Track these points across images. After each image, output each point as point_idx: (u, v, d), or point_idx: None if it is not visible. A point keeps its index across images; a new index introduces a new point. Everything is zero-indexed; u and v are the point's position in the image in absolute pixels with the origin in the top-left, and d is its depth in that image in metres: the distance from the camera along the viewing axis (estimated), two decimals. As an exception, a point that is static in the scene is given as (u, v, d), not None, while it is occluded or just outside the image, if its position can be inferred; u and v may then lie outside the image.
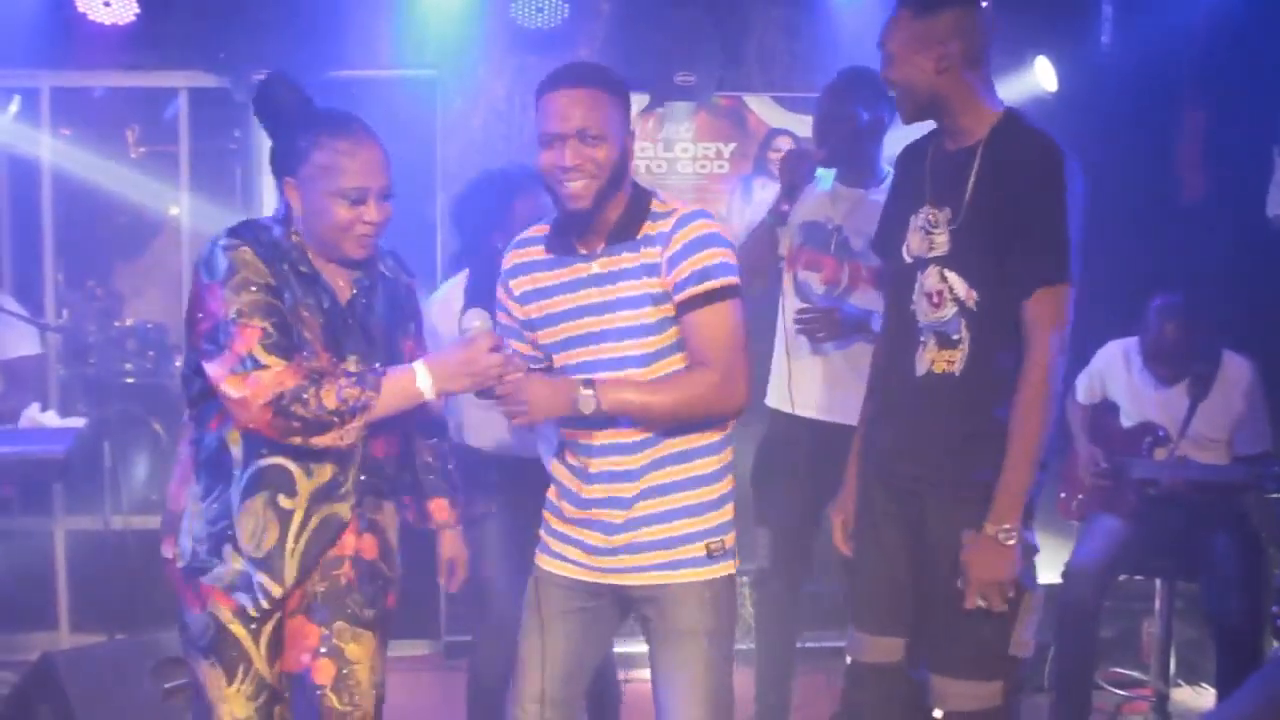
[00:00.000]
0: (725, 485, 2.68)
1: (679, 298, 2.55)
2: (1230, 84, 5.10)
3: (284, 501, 2.57)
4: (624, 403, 2.54)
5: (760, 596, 4.08)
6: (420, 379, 2.51)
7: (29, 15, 4.97)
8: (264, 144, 5.23)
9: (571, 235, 2.64)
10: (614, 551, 2.64)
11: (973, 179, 2.71)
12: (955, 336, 2.74)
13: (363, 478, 2.65)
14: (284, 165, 2.58)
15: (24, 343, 4.51)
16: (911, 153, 2.94)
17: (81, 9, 4.89)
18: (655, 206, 2.62)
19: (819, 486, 3.67)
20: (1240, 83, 5.02)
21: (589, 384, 2.52)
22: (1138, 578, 4.51)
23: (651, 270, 2.57)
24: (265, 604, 2.59)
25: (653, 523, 2.62)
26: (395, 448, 2.76)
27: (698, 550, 2.63)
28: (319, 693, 2.69)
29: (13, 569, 4.55)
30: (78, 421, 4.16)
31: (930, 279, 2.78)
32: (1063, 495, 4.52)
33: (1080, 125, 4.29)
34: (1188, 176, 5.42)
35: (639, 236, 2.58)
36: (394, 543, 2.80)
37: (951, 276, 2.74)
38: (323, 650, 2.68)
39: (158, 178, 5.72)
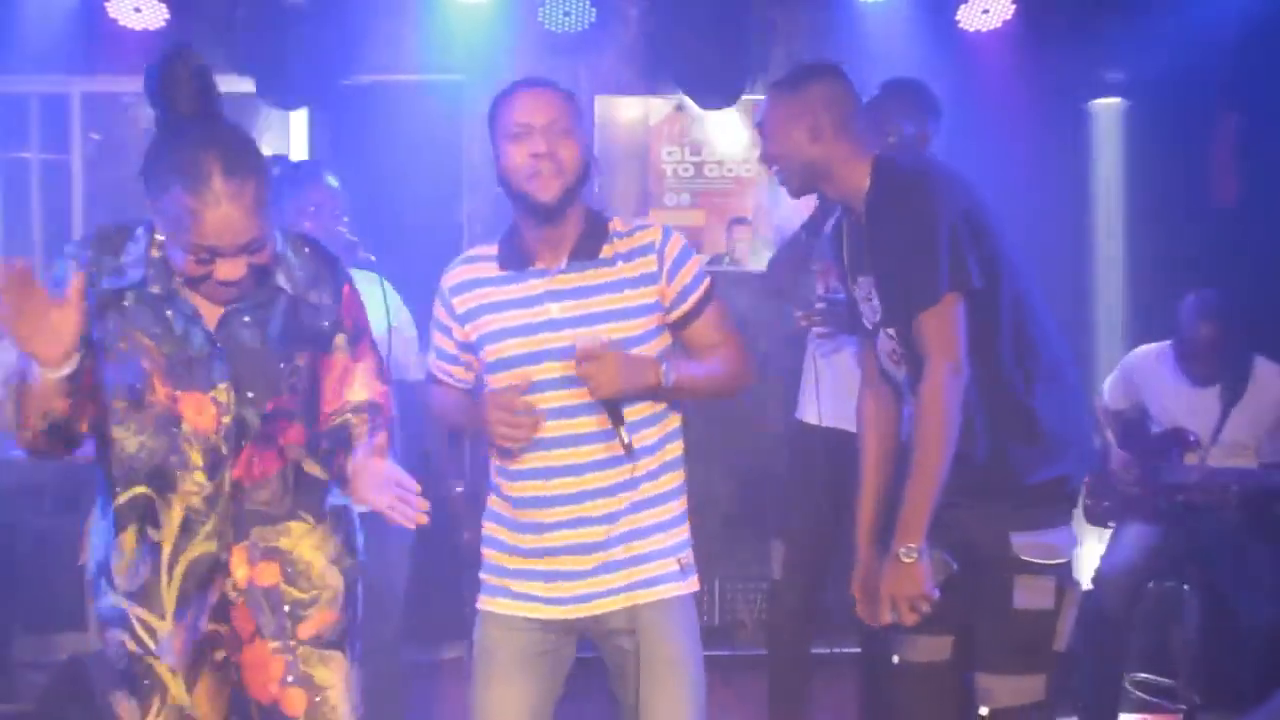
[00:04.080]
0: (684, 502, 2.69)
1: (689, 301, 2.61)
2: (1264, 87, 5.05)
3: (153, 534, 2.40)
4: (689, 377, 2.58)
5: (774, 607, 4.07)
6: None
7: (61, 22, 5.02)
8: (289, 150, 5.31)
9: (530, 247, 2.58)
10: (590, 573, 2.57)
11: (869, 237, 2.78)
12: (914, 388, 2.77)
13: (241, 510, 2.43)
14: (146, 182, 2.26)
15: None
16: (835, 231, 2.99)
17: (112, 15, 4.94)
18: (615, 226, 2.63)
19: (837, 496, 3.66)
20: (1274, 86, 4.97)
21: (661, 358, 2.54)
22: (1168, 584, 4.47)
23: (652, 279, 2.59)
24: (150, 642, 2.40)
25: (631, 539, 2.58)
26: (273, 465, 2.46)
27: (670, 565, 2.61)
28: None
29: (43, 571, 4.57)
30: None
31: (883, 342, 2.84)
32: (1091, 501, 4.49)
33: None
34: (1221, 181, 5.38)
35: (606, 255, 2.58)
36: (309, 559, 2.50)
37: (893, 334, 2.79)
38: (290, 679, 2.46)
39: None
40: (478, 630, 2.67)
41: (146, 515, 2.40)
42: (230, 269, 2.25)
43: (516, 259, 2.61)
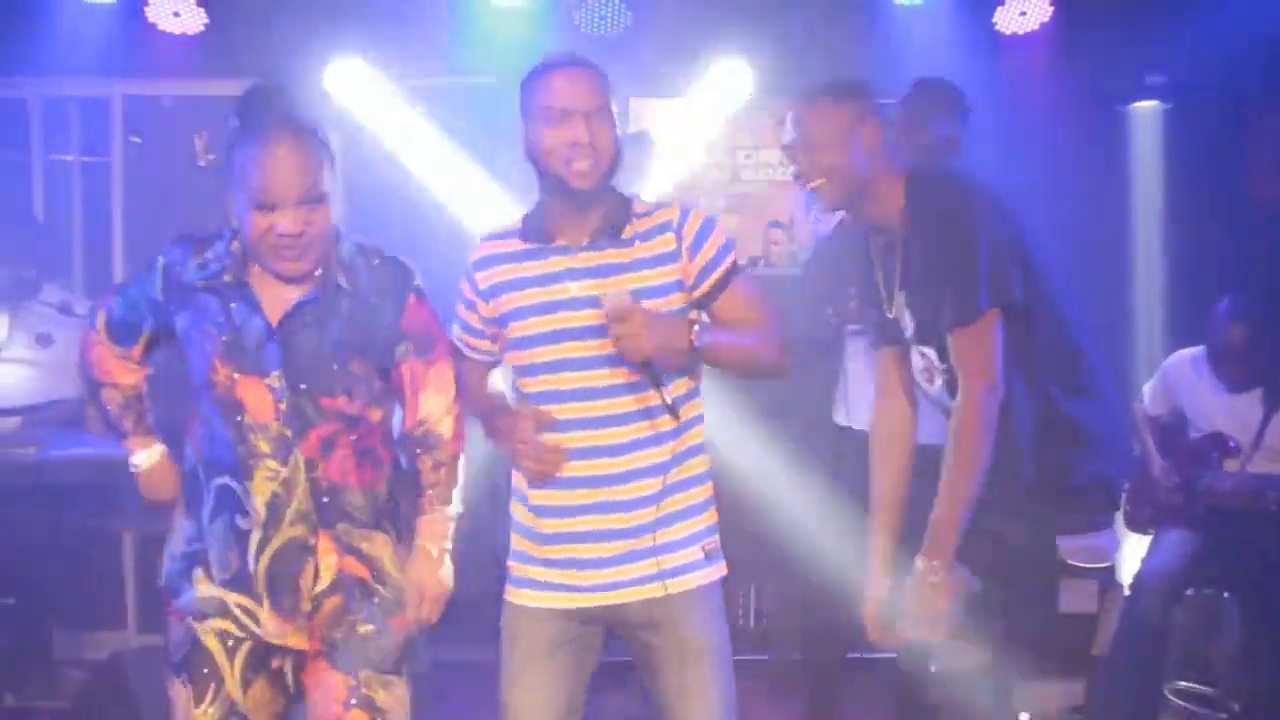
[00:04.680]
0: (710, 488, 2.66)
1: (713, 276, 2.57)
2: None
3: (240, 522, 2.53)
4: (721, 343, 2.51)
5: (809, 611, 4.06)
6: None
7: (102, 26, 5.07)
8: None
9: (556, 225, 2.57)
10: (615, 561, 2.55)
11: (903, 254, 2.75)
12: (948, 404, 2.76)
13: (325, 500, 2.55)
14: (225, 165, 2.52)
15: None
16: (859, 250, 2.93)
17: (152, 19, 4.98)
18: (638, 207, 2.61)
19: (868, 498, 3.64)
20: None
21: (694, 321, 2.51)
22: (1208, 591, 4.43)
23: (671, 258, 2.55)
24: (254, 626, 2.55)
25: (657, 526, 2.55)
26: (369, 476, 2.61)
27: (695, 554, 2.59)
28: None
29: (84, 570, 4.61)
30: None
31: (916, 358, 2.82)
32: (1132, 507, 4.45)
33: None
34: (1261, 183, 5.34)
35: (626, 235, 2.55)
36: (393, 572, 2.63)
37: (927, 351, 2.77)
38: (353, 702, 2.58)
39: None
40: (504, 621, 2.67)
41: (233, 505, 2.53)
42: (288, 220, 2.41)
43: (539, 233, 2.59)
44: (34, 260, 4.65)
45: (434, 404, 2.64)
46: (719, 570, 2.63)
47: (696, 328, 2.47)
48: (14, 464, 4.11)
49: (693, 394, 2.64)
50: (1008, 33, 5.15)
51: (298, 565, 2.54)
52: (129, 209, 5.46)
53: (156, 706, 3.60)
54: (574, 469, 2.55)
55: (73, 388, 4.61)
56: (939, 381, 2.78)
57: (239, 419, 2.51)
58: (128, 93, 5.42)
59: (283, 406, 2.50)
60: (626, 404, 2.53)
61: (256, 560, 2.53)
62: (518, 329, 2.59)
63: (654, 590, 2.55)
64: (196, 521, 2.58)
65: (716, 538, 2.65)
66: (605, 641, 2.68)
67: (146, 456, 2.72)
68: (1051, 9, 5.08)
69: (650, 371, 2.45)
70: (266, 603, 2.54)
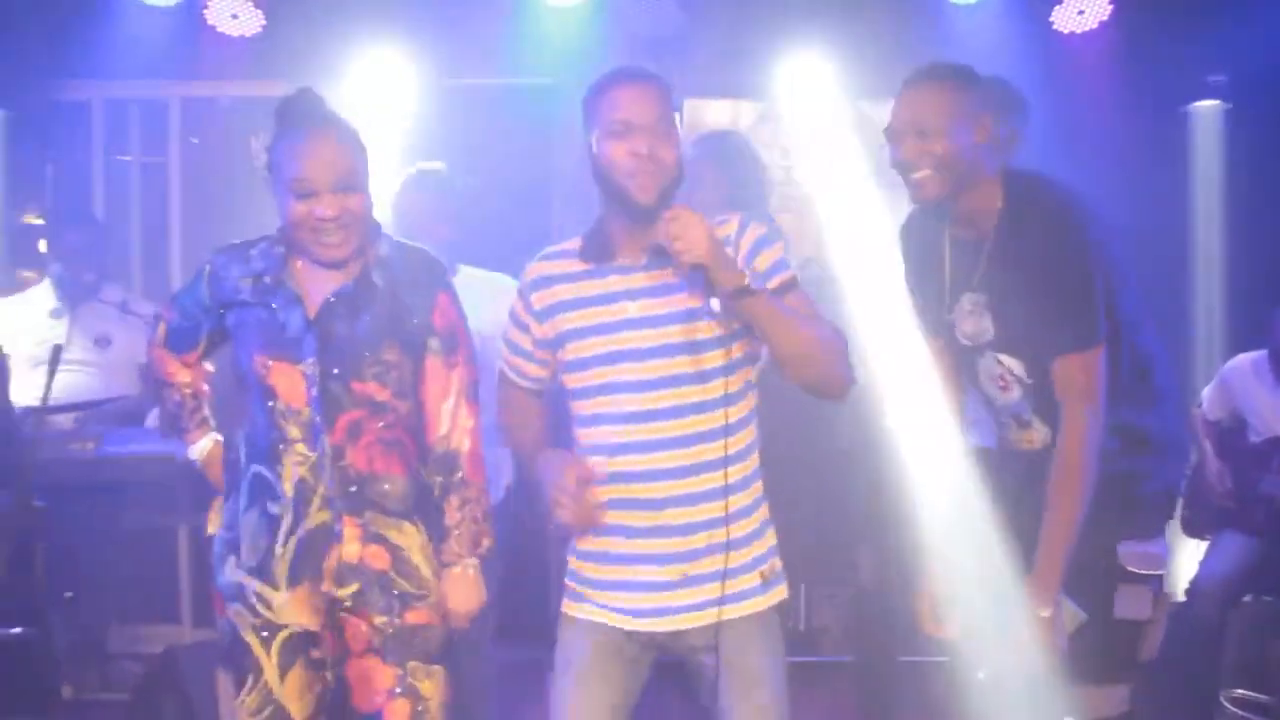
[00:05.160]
0: (766, 510, 2.60)
1: (770, 286, 2.46)
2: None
3: (272, 507, 2.61)
4: (774, 307, 2.40)
5: (860, 614, 4.04)
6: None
7: (162, 29, 5.15)
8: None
9: (615, 241, 2.53)
10: (673, 586, 2.50)
11: (992, 259, 2.66)
12: (1026, 416, 2.74)
13: (353, 488, 2.60)
14: (270, 162, 2.63)
15: (155, 345, 4.64)
16: (921, 232, 2.85)
17: (210, 21, 5.05)
18: None
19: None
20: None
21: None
22: (1266, 598, 4.37)
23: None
24: (266, 613, 2.60)
25: (714, 551, 2.48)
26: (397, 467, 2.65)
27: (754, 580, 2.54)
28: None
29: (140, 565, 4.67)
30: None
31: (989, 364, 2.76)
32: (1189, 513, 4.40)
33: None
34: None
35: None
36: (418, 562, 2.66)
37: (1006, 360, 2.72)
38: (398, 691, 2.62)
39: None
40: (560, 634, 2.64)
41: (266, 491, 2.62)
42: (327, 204, 2.52)
43: (599, 252, 2.55)
44: (94, 262, 4.72)
45: (453, 416, 2.69)
46: (777, 595, 2.58)
47: (750, 274, 2.40)
48: (72, 460, 4.17)
49: (752, 420, 2.58)
50: (1065, 32, 5.10)
51: (323, 550, 2.60)
52: (186, 209, 5.54)
53: (210, 699, 3.66)
54: (632, 491, 2.50)
55: (130, 386, 4.68)
56: (1016, 393, 2.74)
57: (271, 404, 2.60)
58: (186, 95, 5.50)
59: (314, 392, 2.58)
60: (683, 427, 2.48)
61: (284, 544, 2.60)
62: (574, 350, 2.55)
63: (710, 616, 2.50)
64: (234, 509, 2.66)
65: (776, 561, 2.59)
66: (653, 667, 2.65)
67: (200, 447, 2.86)
68: (1111, 7, 5.03)
69: (702, 278, 2.36)
70: (284, 588, 2.60)
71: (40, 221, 5.71)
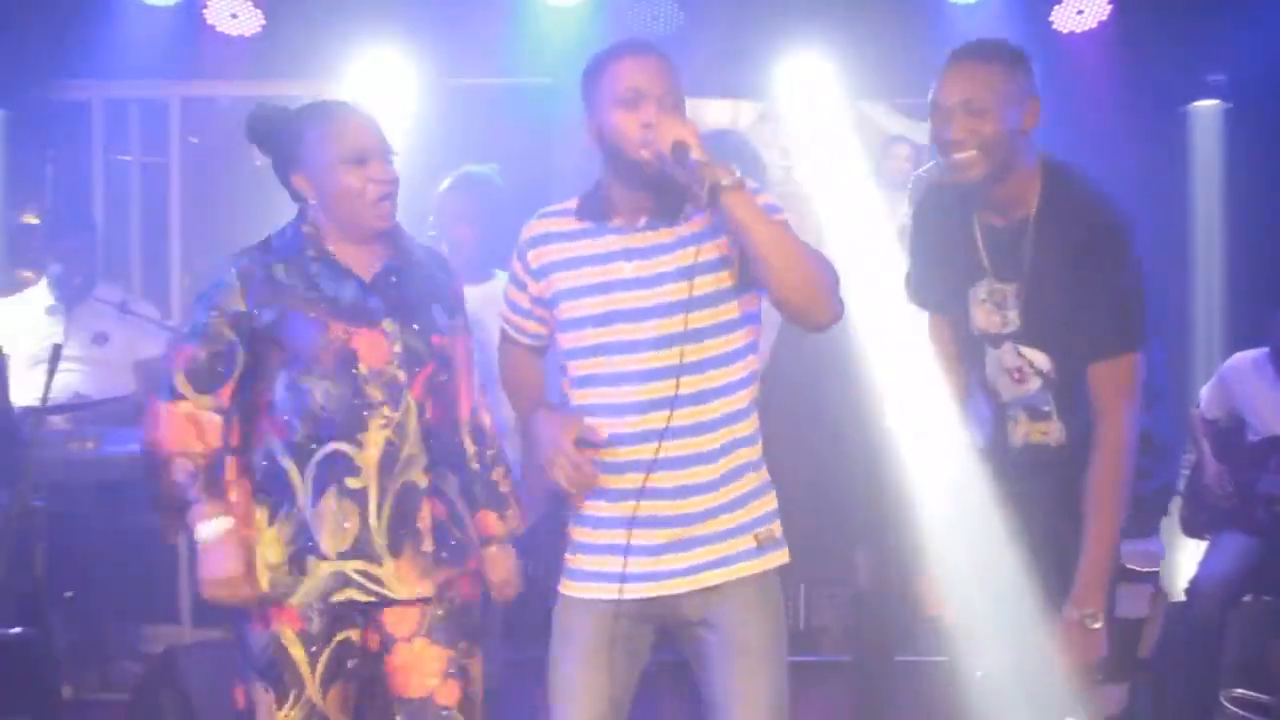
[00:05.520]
0: (764, 474, 2.56)
1: None
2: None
3: (352, 483, 2.57)
4: (760, 212, 2.35)
5: (859, 614, 4.05)
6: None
7: (162, 29, 5.15)
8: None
9: (614, 204, 2.51)
10: (663, 549, 2.47)
11: (1033, 250, 2.62)
12: (1045, 408, 2.71)
13: (429, 441, 2.63)
14: (289, 164, 2.65)
15: (155, 344, 4.64)
16: (942, 214, 2.79)
17: (210, 21, 5.06)
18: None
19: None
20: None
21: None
22: (1266, 598, 4.37)
23: (722, 230, 2.43)
24: (379, 589, 2.58)
25: (706, 517, 2.47)
26: (450, 419, 2.71)
27: (747, 542, 2.50)
28: (445, 714, 2.64)
29: (139, 565, 4.67)
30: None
31: (1007, 356, 2.72)
32: (1187, 513, 4.40)
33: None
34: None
35: (681, 216, 2.48)
36: (462, 511, 2.72)
37: (1029, 352, 2.69)
38: (451, 672, 2.65)
39: (280, 184, 5.85)
40: (555, 614, 2.61)
41: (342, 469, 2.57)
42: (379, 169, 2.59)
43: (597, 212, 2.53)
44: (87, 267, 4.75)
45: (477, 391, 2.81)
46: (774, 559, 2.54)
47: (736, 171, 2.33)
48: (72, 459, 4.17)
49: (749, 384, 2.55)
50: (1065, 31, 5.10)
51: (414, 509, 2.61)
52: (186, 209, 5.54)
53: (210, 699, 3.66)
54: (625, 454, 2.47)
55: (127, 384, 4.69)
56: (1034, 384, 2.71)
57: (354, 370, 2.57)
58: (186, 95, 5.50)
59: (396, 348, 2.61)
60: (676, 386, 2.43)
61: (378, 515, 2.58)
62: (569, 309, 2.53)
63: (703, 580, 2.48)
64: (295, 519, 2.59)
65: (775, 525, 2.55)
66: (654, 646, 2.62)
67: (214, 527, 2.56)
68: (1110, 7, 5.03)
69: (682, 158, 2.30)
70: (388, 559, 2.58)
71: (37, 221, 5.71)
